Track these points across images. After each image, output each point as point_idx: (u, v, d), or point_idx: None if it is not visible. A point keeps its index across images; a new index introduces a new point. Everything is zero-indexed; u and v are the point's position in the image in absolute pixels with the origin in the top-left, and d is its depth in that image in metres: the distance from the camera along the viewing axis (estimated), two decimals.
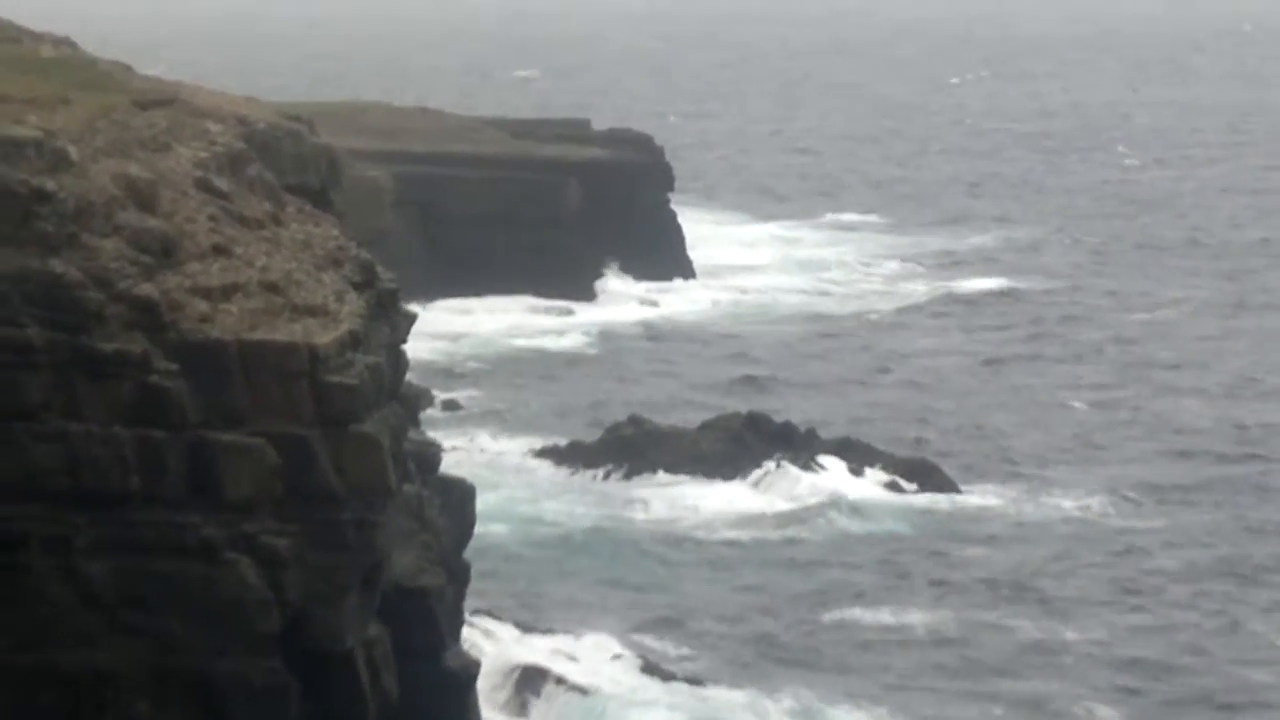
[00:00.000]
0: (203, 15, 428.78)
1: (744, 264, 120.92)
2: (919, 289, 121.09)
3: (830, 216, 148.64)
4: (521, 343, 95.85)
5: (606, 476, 72.51)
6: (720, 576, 70.47)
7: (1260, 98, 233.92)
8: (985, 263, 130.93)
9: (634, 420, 76.82)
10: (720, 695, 56.62)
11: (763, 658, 62.92)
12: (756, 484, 73.04)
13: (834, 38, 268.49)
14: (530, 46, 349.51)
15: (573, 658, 55.08)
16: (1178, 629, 65.27)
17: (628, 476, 72.33)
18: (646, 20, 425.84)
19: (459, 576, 37.95)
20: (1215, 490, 79.80)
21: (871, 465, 73.88)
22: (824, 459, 74.19)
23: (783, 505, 73.82)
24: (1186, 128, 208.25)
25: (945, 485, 73.51)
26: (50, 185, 33.01)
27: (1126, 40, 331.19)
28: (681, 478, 72.48)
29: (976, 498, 77.44)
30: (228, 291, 33.69)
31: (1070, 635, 65.98)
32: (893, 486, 74.15)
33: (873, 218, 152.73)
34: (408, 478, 36.90)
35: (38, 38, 43.53)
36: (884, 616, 62.81)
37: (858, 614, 64.28)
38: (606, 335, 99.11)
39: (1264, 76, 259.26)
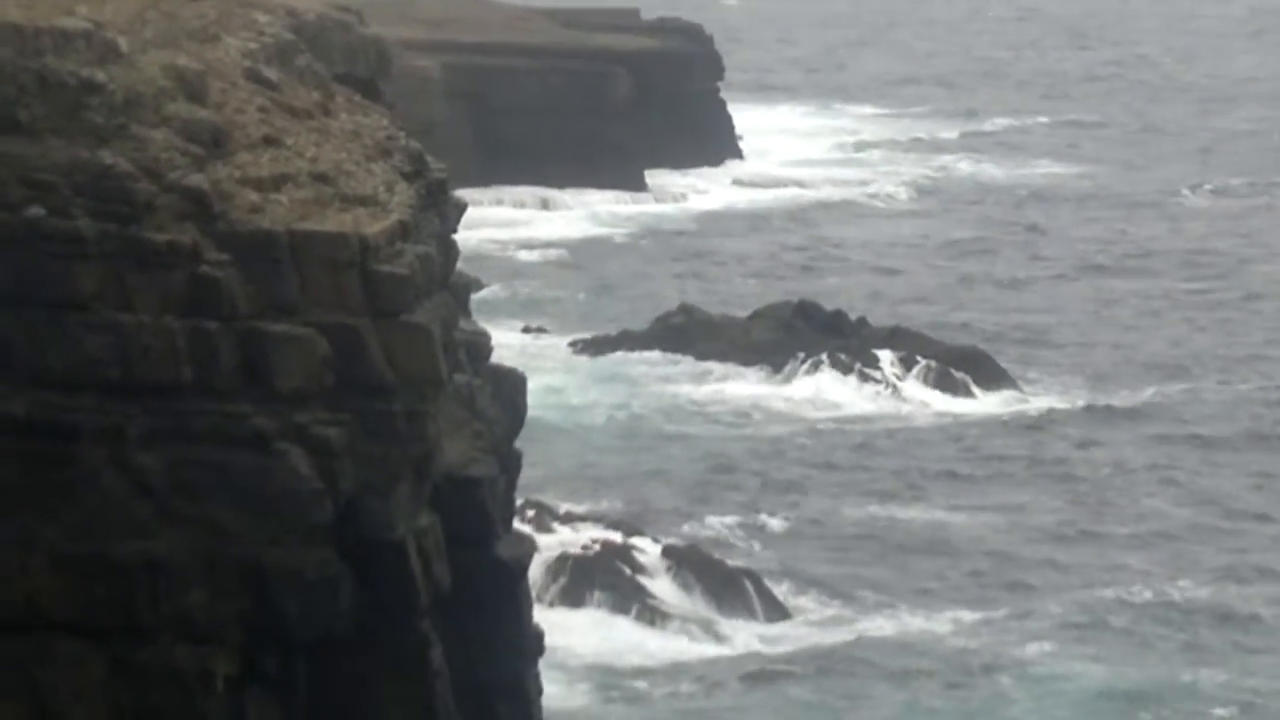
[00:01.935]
0: None
1: (795, 156, 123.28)
2: (966, 177, 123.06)
3: (884, 111, 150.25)
4: (571, 233, 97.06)
5: (657, 364, 73.81)
6: (773, 468, 70.88)
7: None
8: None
9: (684, 309, 77.02)
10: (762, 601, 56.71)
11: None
12: (808, 373, 73.52)
13: None
14: None
15: (623, 548, 56.47)
16: None
17: (678, 364, 73.64)
18: None
19: (510, 466, 37.93)
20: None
21: (924, 354, 74.23)
22: (877, 351, 75.38)
23: (836, 397, 74.76)
24: None
25: (996, 376, 73.75)
26: (99, 76, 32.85)
27: None
28: (733, 366, 73.50)
29: (1033, 392, 77.65)
30: (278, 182, 33.56)
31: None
32: (945, 379, 74.96)
33: (922, 109, 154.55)
34: (458, 367, 36.85)
35: None
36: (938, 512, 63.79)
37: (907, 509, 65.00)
38: (657, 225, 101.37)
39: None
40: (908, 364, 72.48)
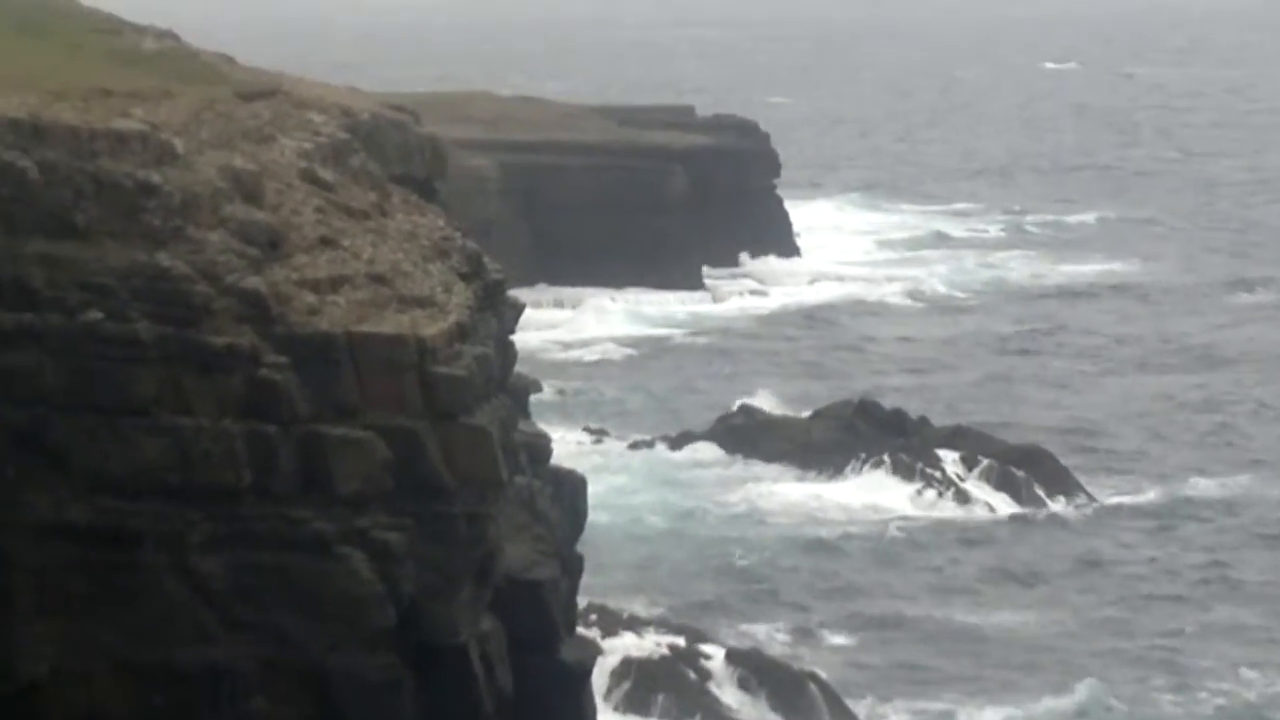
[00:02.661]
0: (297, 11, 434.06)
1: (850, 254, 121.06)
2: (1018, 273, 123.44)
3: (933, 207, 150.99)
4: (630, 332, 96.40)
5: (717, 465, 72.80)
6: (835, 570, 70.57)
7: None
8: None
9: (744, 410, 76.41)
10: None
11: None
12: (870, 473, 73.36)
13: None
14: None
15: (688, 652, 56.43)
16: None
17: (739, 465, 72.07)
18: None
19: (572, 568, 38.09)
20: None
21: (985, 454, 74.11)
22: (939, 451, 74.99)
23: (899, 498, 74.54)
24: None
25: (1059, 475, 73.64)
26: (156, 178, 32.93)
27: None
28: (794, 468, 72.67)
29: (1093, 489, 77.91)
30: (335, 283, 33.62)
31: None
32: (1007, 478, 74.55)
33: (972, 205, 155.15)
34: (518, 469, 36.86)
35: (140, 31, 43.53)
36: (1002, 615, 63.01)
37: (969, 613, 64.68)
38: (715, 324, 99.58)
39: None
40: (969, 463, 72.48)
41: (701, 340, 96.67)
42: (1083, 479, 74.36)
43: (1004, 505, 72.44)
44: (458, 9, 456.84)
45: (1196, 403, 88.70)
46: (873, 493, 71.63)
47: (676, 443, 73.79)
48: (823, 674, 55.14)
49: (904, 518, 71.07)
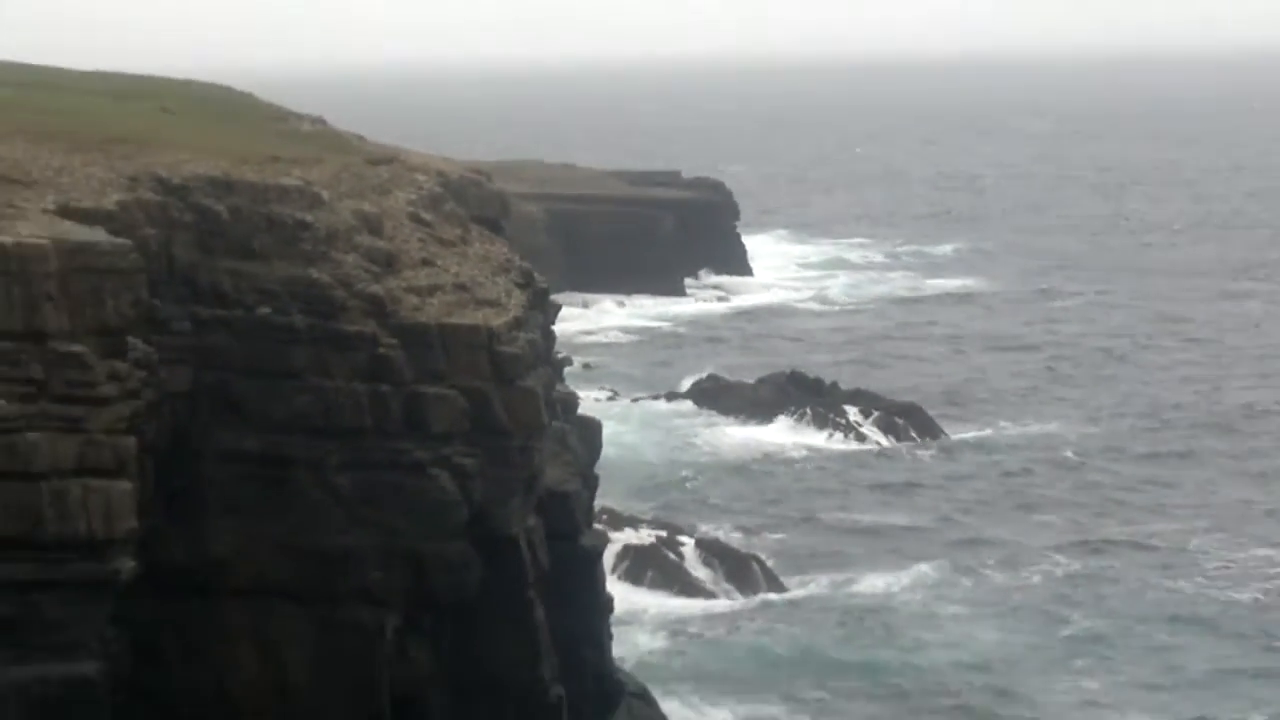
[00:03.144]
0: (397, 89, 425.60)
1: (787, 272, 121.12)
2: (898, 287, 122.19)
3: (839, 241, 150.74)
4: (633, 324, 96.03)
5: (692, 415, 73.00)
6: (772, 486, 70.06)
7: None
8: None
9: (711, 377, 76.03)
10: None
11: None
12: (797, 423, 73.54)
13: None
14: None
15: (669, 541, 55.90)
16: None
17: (706, 415, 72.60)
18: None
19: (590, 485, 37.99)
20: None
21: (876, 408, 74.22)
22: (844, 406, 74.96)
23: (816, 439, 75.04)
24: None
25: (927, 423, 74.22)
26: (309, 218, 32.70)
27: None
28: (743, 418, 72.19)
29: (950, 431, 77.00)
30: (431, 290, 33.07)
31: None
32: (891, 425, 73.94)
33: (865, 240, 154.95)
34: (555, 416, 36.60)
35: (299, 118, 43.44)
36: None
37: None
38: (691, 319, 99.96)
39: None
40: (865, 414, 71.81)
41: (682, 330, 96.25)
42: (944, 425, 75.05)
43: (888, 443, 72.89)
44: (513, 92, 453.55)
45: (1019, 374, 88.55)
46: (798, 435, 71.68)
47: (664, 399, 74.06)
48: (762, 556, 57.87)
49: (819, 451, 72.12)
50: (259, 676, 31.76)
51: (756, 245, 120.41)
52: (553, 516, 33.66)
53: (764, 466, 68.54)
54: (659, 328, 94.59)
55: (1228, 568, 58.95)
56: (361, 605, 30.49)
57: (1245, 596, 55.84)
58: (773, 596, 53.90)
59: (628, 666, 43.40)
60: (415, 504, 30.17)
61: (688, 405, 73.48)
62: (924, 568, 57.74)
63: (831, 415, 70.26)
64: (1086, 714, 48.99)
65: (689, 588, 52.11)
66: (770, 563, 57.51)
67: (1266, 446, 76.04)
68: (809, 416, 69.78)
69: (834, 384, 74.04)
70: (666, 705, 44.54)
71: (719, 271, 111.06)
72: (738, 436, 69.84)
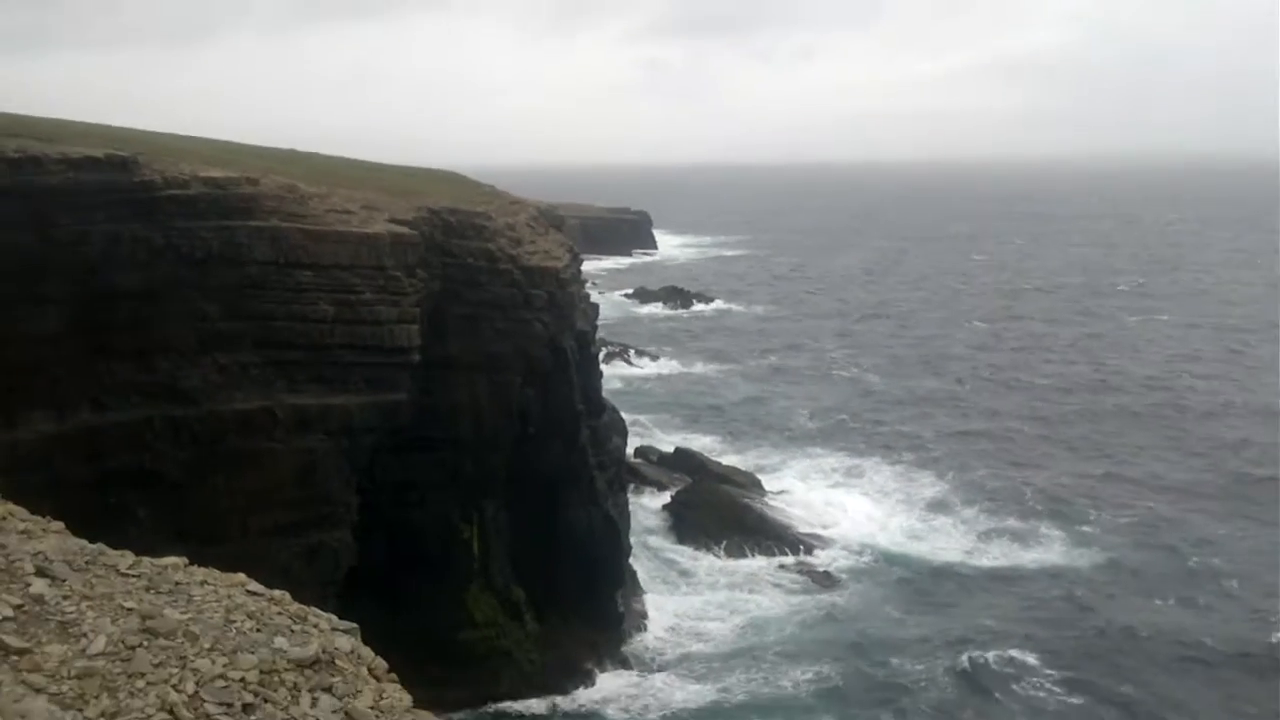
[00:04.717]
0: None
1: (677, 250, 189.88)
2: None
3: (717, 237, 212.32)
4: (611, 266, 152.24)
5: (657, 308, 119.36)
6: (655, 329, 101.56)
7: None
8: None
9: (639, 289, 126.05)
10: None
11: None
12: (665, 303, 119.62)
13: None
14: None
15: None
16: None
17: (636, 302, 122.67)
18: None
19: (594, 326, 52.91)
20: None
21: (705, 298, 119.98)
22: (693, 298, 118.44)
23: (675, 311, 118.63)
24: None
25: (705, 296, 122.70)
26: (486, 224, 46.75)
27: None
28: (662, 301, 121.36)
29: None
30: (534, 253, 47.72)
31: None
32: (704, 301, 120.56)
33: (739, 238, 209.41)
34: (582, 300, 50.69)
35: (484, 185, 55.28)
36: None
37: None
38: (636, 266, 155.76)
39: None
40: (704, 301, 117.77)
41: (631, 269, 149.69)
42: (706, 298, 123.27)
43: (706, 308, 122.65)
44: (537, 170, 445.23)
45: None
46: (669, 308, 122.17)
47: (636, 296, 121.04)
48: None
49: (674, 315, 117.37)
50: (486, 399, 44.91)
51: (662, 238, 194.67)
52: (580, 339, 48.55)
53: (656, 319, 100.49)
54: (626, 267, 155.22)
55: None
56: (506, 371, 45.59)
57: None
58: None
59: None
60: (525, 333, 45.93)
61: (655, 303, 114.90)
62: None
63: (680, 300, 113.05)
64: None
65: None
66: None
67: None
68: (678, 300, 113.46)
69: (699, 293, 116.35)
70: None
71: (644, 249, 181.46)
72: (645, 309, 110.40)
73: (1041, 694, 44.23)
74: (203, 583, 10.47)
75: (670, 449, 68.96)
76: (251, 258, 41.31)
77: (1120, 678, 45.97)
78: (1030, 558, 56.69)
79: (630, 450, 60.49)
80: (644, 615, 50.39)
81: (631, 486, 57.98)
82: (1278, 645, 47.02)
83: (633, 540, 51.87)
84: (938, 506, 63.67)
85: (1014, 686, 45.44)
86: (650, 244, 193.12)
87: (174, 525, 35.73)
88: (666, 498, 63.55)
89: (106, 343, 38.12)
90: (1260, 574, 53.83)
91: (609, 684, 45.14)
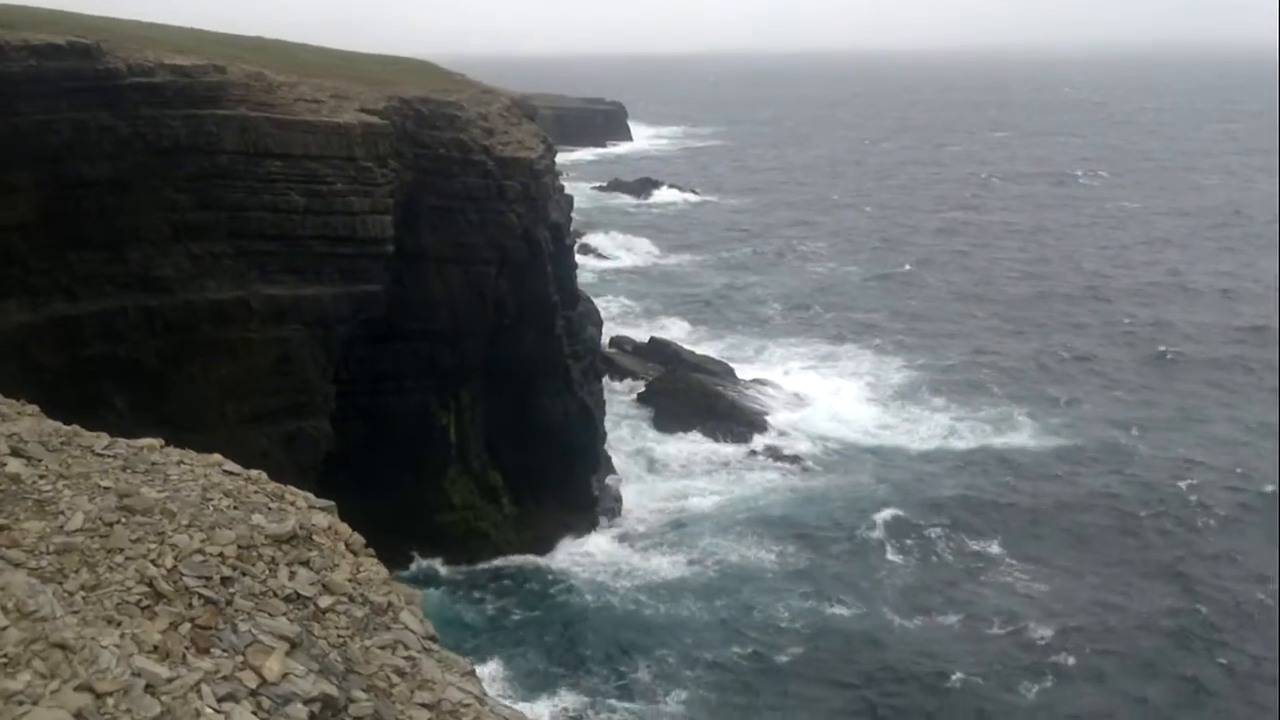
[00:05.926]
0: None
1: (651, 141, 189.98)
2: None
3: (689, 128, 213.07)
4: (589, 157, 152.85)
5: (622, 197, 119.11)
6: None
7: None
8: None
9: (614, 182, 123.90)
10: None
11: None
12: (638, 194, 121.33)
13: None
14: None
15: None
16: None
17: (626, 195, 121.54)
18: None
19: (568, 215, 52.70)
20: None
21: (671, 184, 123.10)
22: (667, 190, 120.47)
23: (649, 200, 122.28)
24: None
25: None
26: (458, 113, 46.30)
27: None
28: (625, 191, 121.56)
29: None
30: (508, 144, 47.06)
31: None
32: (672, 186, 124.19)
33: (708, 129, 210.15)
34: (557, 190, 50.02)
35: (457, 75, 55.64)
36: None
37: None
38: (612, 155, 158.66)
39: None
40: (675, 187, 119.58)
41: (605, 161, 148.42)
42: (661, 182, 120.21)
43: (676, 198, 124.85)
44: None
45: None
46: (645, 197, 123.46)
47: (607, 187, 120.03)
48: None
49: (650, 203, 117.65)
50: (460, 290, 45.06)
51: (637, 130, 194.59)
52: (554, 230, 48.82)
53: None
54: (597, 158, 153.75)
55: None
56: (480, 263, 46.12)
57: None
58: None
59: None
60: (499, 225, 46.12)
61: (602, 187, 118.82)
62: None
63: (654, 191, 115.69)
64: None
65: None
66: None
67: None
68: (651, 192, 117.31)
69: (658, 181, 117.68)
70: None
71: (619, 139, 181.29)
72: (619, 200, 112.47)
73: (1009, 578, 45.54)
74: (179, 462, 10.52)
75: (645, 339, 69.27)
76: (220, 147, 40.97)
77: (1082, 552, 48.03)
78: (1000, 442, 57.68)
79: (605, 340, 60.85)
80: (618, 499, 51.32)
81: (606, 375, 57.98)
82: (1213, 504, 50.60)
83: (607, 427, 52.31)
84: (907, 392, 64.58)
85: (981, 563, 47.12)
86: (625, 135, 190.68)
87: (153, 413, 35.84)
88: (641, 386, 63.80)
89: (77, 232, 38.04)
90: (1221, 451, 55.16)
91: (583, 556, 46.54)
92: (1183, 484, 53.01)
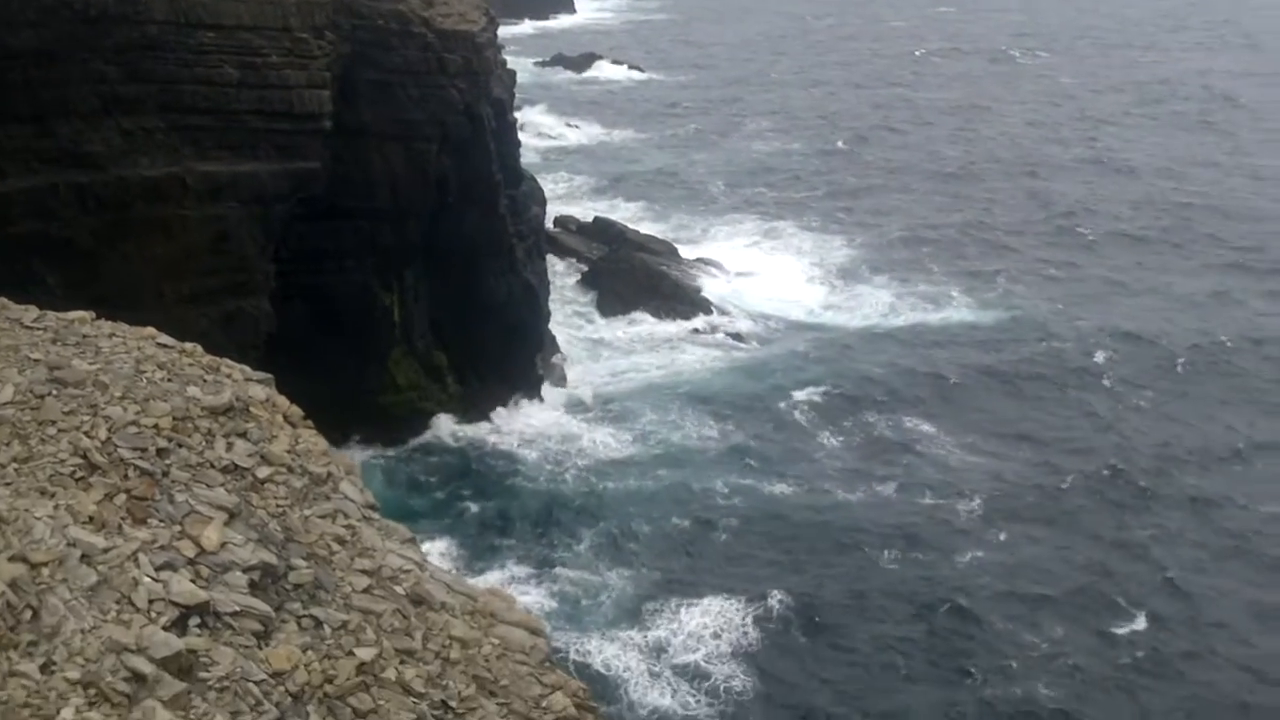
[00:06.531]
0: None
1: (596, 12, 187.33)
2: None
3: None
4: (528, 31, 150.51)
5: (569, 73, 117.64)
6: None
7: None
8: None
9: (558, 56, 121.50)
10: None
11: None
12: (576, 71, 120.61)
13: None
14: None
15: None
16: None
17: (570, 70, 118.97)
18: None
19: (511, 94, 51.39)
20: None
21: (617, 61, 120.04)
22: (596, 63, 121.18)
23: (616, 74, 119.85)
24: None
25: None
26: (410, 3, 48.44)
27: None
28: (566, 67, 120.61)
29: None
30: (448, 16, 45.84)
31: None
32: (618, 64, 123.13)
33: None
34: (499, 65, 48.66)
35: None
36: None
37: None
38: (551, 30, 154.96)
39: None
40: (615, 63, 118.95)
41: (548, 34, 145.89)
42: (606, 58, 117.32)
43: (637, 79, 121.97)
44: None
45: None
46: (597, 72, 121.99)
47: (551, 62, 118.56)
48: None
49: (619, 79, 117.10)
50: (402, 168, 43.76)
51: (583, 5, 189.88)
52: (497, 106, 47.62)
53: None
54: (541, 31, 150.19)
55: None
56: (421, 140, 44.55)
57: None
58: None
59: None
60: (440, 100, 44.78)
61: (545, 62, 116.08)
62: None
63: (597, 67, 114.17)
64: None
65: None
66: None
67: None
68: (595, 67, 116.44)
69: (603, 56, 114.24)
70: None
71: (564, 10, 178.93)
72: (563, 76, 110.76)
73: (943, 450, 46.39)
74: (111, 335, 10.36)
75: (589, 218, 69.23)
76: (150, 17, 39.66)
77: (1012, 423, 49.35)
78: (936, 318, 58.43)
79: (549, 219, 60.71)
80: (562, 377, 51.56)
81: (550, 255, 58.02)
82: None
83: (552, 307, 52.50)
84: (848, 270, 65.14)
85: (916, 437, 48.35)
86: (568, 8, 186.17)
87: (87, 293, 34.36)
88: (585, 266, 63.91)
89: (2, 105, 36.72)
90: (1148, 321, 56.64)
91: (527, 433, 47.50)
92: (1105, 354, 54.28)
